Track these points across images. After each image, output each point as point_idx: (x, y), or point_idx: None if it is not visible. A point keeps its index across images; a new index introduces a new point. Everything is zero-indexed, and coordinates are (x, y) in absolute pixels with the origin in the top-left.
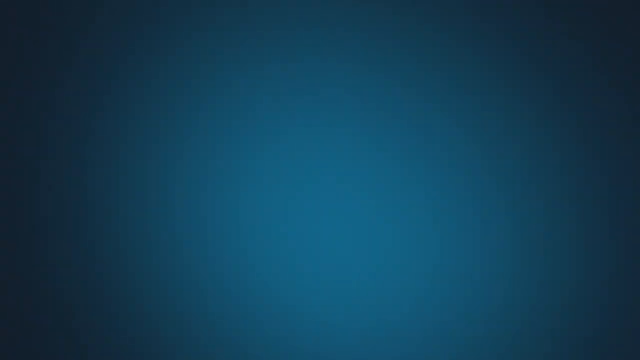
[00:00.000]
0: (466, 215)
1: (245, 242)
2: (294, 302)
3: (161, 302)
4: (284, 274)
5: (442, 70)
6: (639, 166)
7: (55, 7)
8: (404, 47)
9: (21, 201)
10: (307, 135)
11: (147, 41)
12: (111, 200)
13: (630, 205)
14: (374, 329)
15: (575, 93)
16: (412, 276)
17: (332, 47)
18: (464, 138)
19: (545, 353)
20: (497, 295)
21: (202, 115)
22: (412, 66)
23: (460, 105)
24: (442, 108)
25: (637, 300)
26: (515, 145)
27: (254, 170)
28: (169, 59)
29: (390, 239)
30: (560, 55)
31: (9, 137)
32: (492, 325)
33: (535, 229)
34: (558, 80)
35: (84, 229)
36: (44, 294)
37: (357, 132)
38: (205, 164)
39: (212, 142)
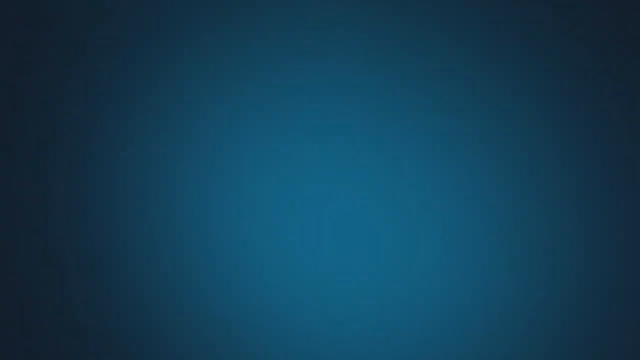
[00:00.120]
0: (468, 215)
1: (247, 242)
2: (295, 301)
3: (164, 302)
4: (286, 273)
5: (444, 70)
6: None
7: (61, 8)
8: (405, 47)
9: (25, 201)
10: (309, 135)
11: (151, 42)
12: (115, 200)
13: (635, 205)
14: (376, 329)
15: (578, 92)
16: (414, 276)
17: (333, 48)
18: (465, 138)
19: (548, 354)
20: (499, 295)
21: (204, 116)
22: (414, 66)
23: (462, 104)
24: (443, 108)
25: None
26: (517, 145)
27: (256, 170)
28: (173, 60)
29: (392, 239)
30: (562, 53)
31: (12, 137)
32: (494, 325)
33: (538, 229)
34: (560, 80)
35: (88, 229)
36: (47, 293)
37: (359, 132)
38: (208, 164)
39: (214, 142)
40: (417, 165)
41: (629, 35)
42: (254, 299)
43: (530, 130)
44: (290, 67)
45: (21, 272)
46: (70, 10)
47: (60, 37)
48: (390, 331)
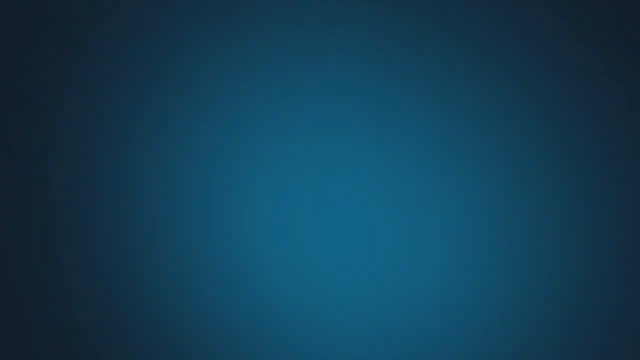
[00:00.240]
0: (469, 215)
1: (249, 241)
2: (296, 301)
3: (165, 302)
4: (288, 272)
5: (444, 70)
6: None
7: (62, 8)
8: (406, 47)
9: (30, 201)
10: (310, 135)
11: (152, 43)
12: (117, 201)
13: (637, 205)
14: (376, 328)
15: (579, 91)
16: (415, 276)
17: (334, 48)
18: (466, 138)
19: (549, 354)
20: (500, 296)
21: (205, 116)
22: (414, 66)
23: (463, 104)
24: (443, 108)
25: None
26: (518, 145)
27: (257, 170)
28: (173, 60)
29: (393, 239)
30: (562, 53)
31: (17, 137)
32: (495, 325)
33: (538, 229)
34: (561, 79)
35: (90, 229)
36: (49, 294)
37: (359, 131)
38: (209, 163)
39: (216, 142)
40: (418, 165)
41: (630, 35)
42: (256, 298)
43: (531, 130)
44: (290, 67)
45: (23, 273)
46: (72, 10)
47: (62, 38)
48: (390, 331)
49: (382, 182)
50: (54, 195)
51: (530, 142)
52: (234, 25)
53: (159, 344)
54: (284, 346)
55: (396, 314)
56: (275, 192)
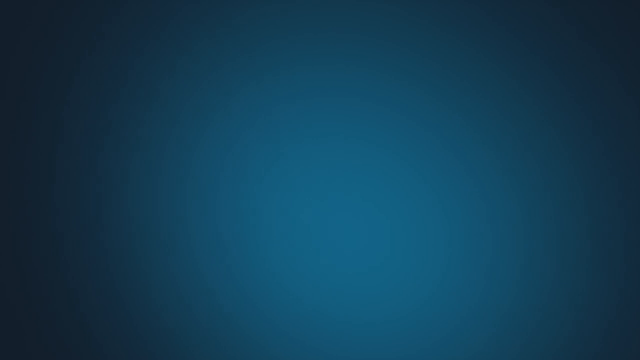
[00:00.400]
0: (475, 215)
1: (254, 241)
2: (299, 300)
3: (175, 302)
4: (294, 273)
5: (451, 70)
6: None
7: (71, 9)
8: (413, 49)
9: (38, 202)
10: (318, 136)
11: (162, 46)
12: (126, 202)
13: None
14: (378, 328)
15: (585, 91)
16: (418, 276)
17: (340, 50)
18: (473, 138)
19: (550, 355)
20: (503, 296)
21: (217, 119)
22: (421, 67)
23: (470, 105)
24: (451, 108)
25: None
26: (522, 145)
27: (265, 172)
28: (182, 64)
29: (399, 240)
30: (569, 53)
31: (23, 138)
32: (497, 326)
33: (541, 230)
34: (568, 79)
35: (100, 231)
36: (56, 294)
37: (366, 133)
38: (220, 166)
39: (226, 144)
40: (427, 166)
41: (631, 34)
42: (264, 298)
43: (535, 131)
44: (299, 69)
45: (28, 272)
46: (80, 12)
47: (70, 40)
48: (393, 331)
49: (388, 183)
50: (61, 197)
51: (535, 142)
52: (245, 31)
53: (167, 344)
54: (289, 343)
55: (403, 314)
56: (282, 192)
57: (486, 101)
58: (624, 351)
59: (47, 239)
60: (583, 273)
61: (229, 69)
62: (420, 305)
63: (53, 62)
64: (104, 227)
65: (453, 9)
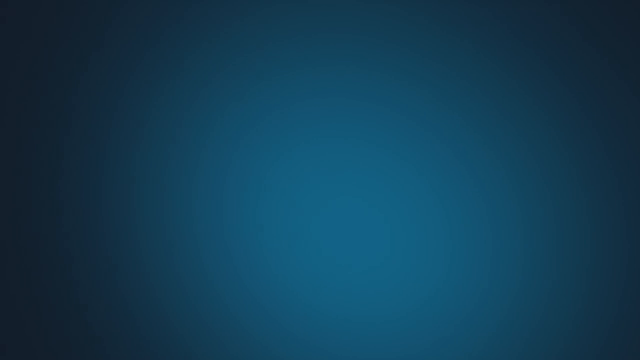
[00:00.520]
0: (476, 215)
1: (262, 242)
2: (303, 299)
3: (179, 303)
4: (298, 273)
5: (452, 71)
6: None
7: (77, 9)
8: (416, 50)
9: (42, 202)
10: (322, 137)
11: (168, 46)
12: (133, 201)
13: None
14: (382, 327)
15: (586, 91)
16: (423, 276)
17: (343, 51)
18: (474, 138)
19: (552, 355)
20: (505, 296)
21: (221, 120)
22: (424, 68)
23: (471, 105)
24: (452, 108)
25: None
26: (526, 145)
27: (270, 173)
28: (189, 63)
29: (401, 240)
30: (570, 53)
31: (28, 138)
32: (499, 326)
33: (543, 230)
34: (569, 79)
35: (104, 232)
36: (60, 293)
37: (371, 134)
38: (225, 167)
39: (230, 146)
40: (428, 166)
41: (633, 33)
42: (265, 297)
43: (536, 131)
44: (300, 72)
45: (32, 272)
46: (86, 12)
47: (76, 39)
48: (395, 330)
49: (390, 183)
50: (66, 196)
51: (541, 142)
52: (246, 34)
53: (172, 344)
54: (292, 343)
55: (404, 312)
56: (286, 192)
57: (487, 101)
58: (627, 352)
59: (51, 240)
60: (584, 273)
61: (233, 70)
62: (421, 305)
63: (58, 62)
64: (109, 228)
65: (453, 9)
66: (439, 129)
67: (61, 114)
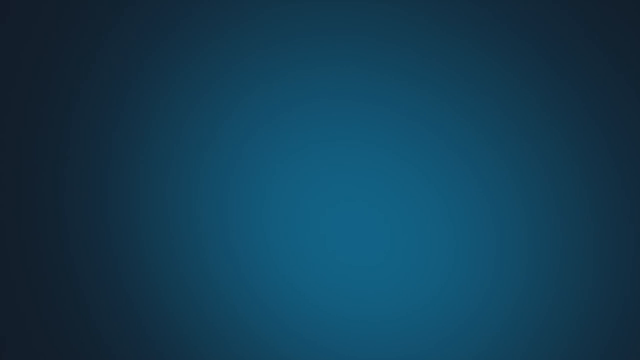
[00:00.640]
0: (480, 216)
1: (267, 242)
2: (307, 299)
3: (184, 302)
4: (302, 272)
5: (455, 71)
6: None
7: (78, 11)
8: (414, 49)
9: (47, 203)
10: (327, 138)
11: (171, 48)
12: (137, 203)
13: None
14: (384, 327)
15: (590, 90)
16: (426, 276)
17: (347, 52)
18: (477, 138)
19: (557, 355)
20: (508, 296)
21: (225, 121)
22: (430, 70)
23: (474, 106)
24: (455, 109)
25: None
26: (529, 145)
27: (275, 173)
28: (193, 67)
29: (405, 240)
30: (573, 52)
31: (33, 138)
32: (504, 325)
33: (549, 230)
34: (572, 79)
35: (109, 232)
36: (63, 295)
37: (375, 135)
38: (229, 167)
39: (234, 146)
40: (429, 168)
41: (636, 33)
42: (270, 296)
43: (540, 131)
44: (303, 73)
45: (37, 273)
46: (91, 12)
47: (81, 40)
48: (399, 330)
49: (394, 184)
50: (71, 197)
51: (537, 142)
52: (250, 34)
53: (176, 344)
54: (296, 342)
55: (407, 311)
56: (291, 193)
57: (489, 101)
58: (631, 352)
59: (56, 240)
60: (588, 273)
61: (236, 71)
62: (425, 305)
63: (62, 62)
64: (113, 228)
65: (455, 9)
66: (443, 129)
67: (66, 114)
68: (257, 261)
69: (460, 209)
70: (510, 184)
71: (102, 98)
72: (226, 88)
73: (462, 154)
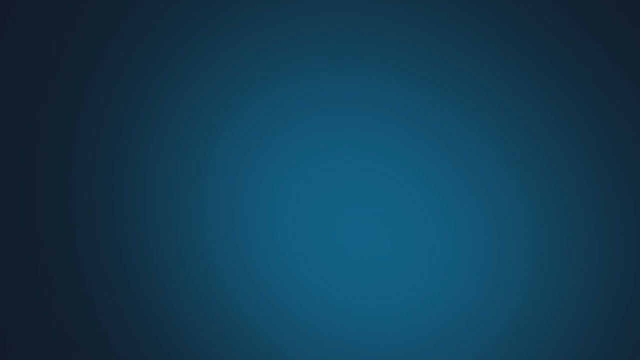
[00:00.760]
0: (482, 216)
1: (271, 242)
2: (314, 299)
3: (190, 302)
4: (307, 272)
5: (457, 71)
6: None
7: (82, 14)
8: (415, 49)
9: (52, 204)
10: (330, 140)
11: (176, 50)
12: (139, 202)
13: None
14: (387, 326)
15: (592, 89)
16: (429, 276)
17: (343, 51)
18: (479, 138)
19: (560, 354)
20: (510, 296)
21: (229, 123)
22: (433, 70)
23: (476, 105)
24: (457, 109)
25: None
26: (532, 145)
27: (279, 175)
28: (197, 67)
29: (407, 240)
30: (575, 51)
31: (39, 139)
32: (506, 325)
33: (551, 229)
34: (574, 78)
35: (115, 233)
36: (66, 292)
37: (378, 137)
38: (234, 168)
39: (239, 148)
40: (432, 168)
41: (637, 32)
42: (275, 296)
43: (542, 130)
44: (305, 75)
45: (43, 273)
46: (97, 12)
47: (86, 41)
48: (401, 329)
49: (397, 184)
50: (76, 198)
51: (539, 142)
52: (250, 34)
53: (182, 343)
54: (300, 341)
55: (410, 311)
56: (295, 194)
57: (491, 101)
58: (635, 352)
59: (61, 241)
60: (591, 273)
61: (239, 74)
62: (428, 304)
63: (67, 63)
64: (119, 229)
65: (455, 9)
66: (445, 129)
67: (72, 115)
68: (263, 261)
69: (463, 209)
70: (512, 184)
71: (108, 100)
72: (229, 90)
73: (464, 154)
